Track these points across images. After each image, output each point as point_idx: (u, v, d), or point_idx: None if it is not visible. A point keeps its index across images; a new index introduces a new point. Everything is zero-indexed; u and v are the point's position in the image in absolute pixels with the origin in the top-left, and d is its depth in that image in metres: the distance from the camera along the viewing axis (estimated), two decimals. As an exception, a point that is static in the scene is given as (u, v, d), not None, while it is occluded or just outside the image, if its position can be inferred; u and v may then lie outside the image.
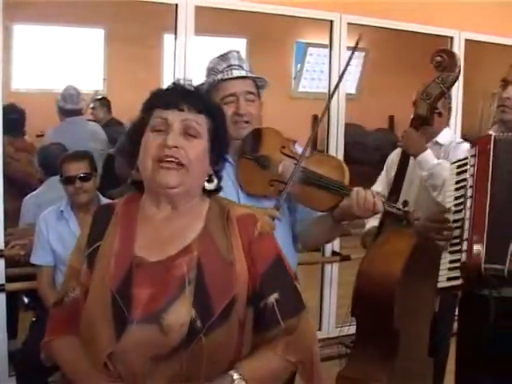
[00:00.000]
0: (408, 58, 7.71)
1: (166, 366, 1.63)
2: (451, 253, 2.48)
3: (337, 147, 5.04)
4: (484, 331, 2.57)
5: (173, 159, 1.70)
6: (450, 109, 3.76)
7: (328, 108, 4.27)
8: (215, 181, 1.85)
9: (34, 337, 3.44)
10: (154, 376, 1.63)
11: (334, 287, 5.20)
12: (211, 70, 2.59)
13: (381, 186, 3.65)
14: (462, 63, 5.18)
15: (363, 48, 8.20)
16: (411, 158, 3.23)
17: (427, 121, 3.07)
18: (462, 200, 2.49)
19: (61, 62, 6.97)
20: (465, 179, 2.51)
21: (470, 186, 2.46)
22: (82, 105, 5.72)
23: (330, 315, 5.19)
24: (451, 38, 5.34)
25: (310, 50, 8.63)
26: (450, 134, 3.67)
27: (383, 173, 3.76)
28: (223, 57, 2.58)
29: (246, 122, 2.54)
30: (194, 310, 1.63)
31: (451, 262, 2.47)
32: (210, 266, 1.71)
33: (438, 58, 2.96)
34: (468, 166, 2.51)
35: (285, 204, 2.54)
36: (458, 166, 2.60)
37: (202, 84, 2.56)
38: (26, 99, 6.27)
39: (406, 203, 2.53)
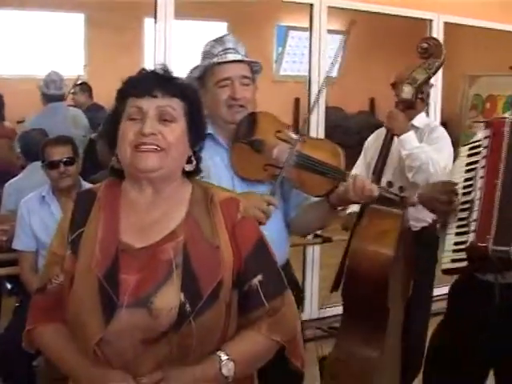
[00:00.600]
0: (388, 41, 7.74)
1: (156, 350, 1.64)
2: (457, 234, 2.46)
3: (317, 131, 5.05)
4: (486, 319, 2.53)
5: (151, 146, 1.70)
6: (428, 94, 3.81)
7: (309, 94, 4.30)
8: (194, 162, 1.84)
9: (17, 322, 3.43)
10: (143, 360, 1.65)
11: (316, 269, 5.25)
12: (206, 54, 2.56)
13: (359, 168, 3.68)
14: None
15: (343, 31, 8.20)
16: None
17: (412, 105, 3.11)
18: (471, 182, 2.48)
19: (41, 47, 6.93)
20: (476, 162, 2.50)
21: (482, 167, 2.45)
22: (64, 90, 5.69)
23: (313, 297, 5.24)
24: (430, 20, 5.37)
25: (291, 33, 8.65)
26: (424, 118, 3.72)
27: (361, 156, 3.79)
28: (219, 40, 2.56)
29: (241, 106, 2.51)
30: (183, 294, 1.64)
31: (456, 243, 2.45)
32: (196, 251, 1.71)
33: (425, 45, 2.99)
34: (481, 149, 2.50)
35: (279, 189, 2.53)
36: (470, 149, 2.58)
37: (196, 67, 2.55)
38: (6, 85, 6.24)
39: (402, 189, 2.50)
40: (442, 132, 3.57)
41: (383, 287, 2.71)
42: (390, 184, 2.52)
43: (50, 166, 3.52)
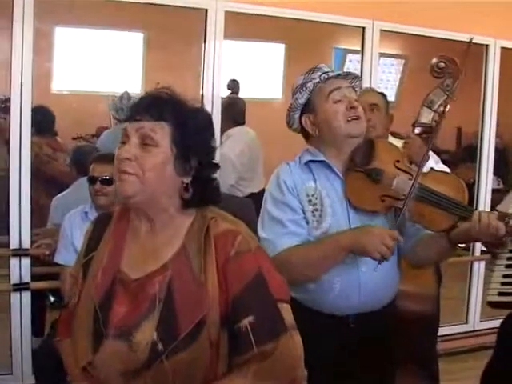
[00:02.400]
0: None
1: (136, 382, 1.63)
2: (507, 266, 2.38)
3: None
4: None
5: (124, 172, 1.67)
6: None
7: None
8: (190, 190, 1.74)
9: (54, 336, 3.48)
10: None
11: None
12: (305, 84, 2.52)
13: None
14: (497, 71, 5.16)
15: (403, 55, 8.13)
16: None
17: (431, 129, 2.82)
18: None
19: (98, 65, 7.05)
20: None
21: None
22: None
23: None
24: (487, 45, 5.26)
25: (350, 56, 8.59)
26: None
27: None
28: (313, 69, 2.54)
29: (358, 118, 2.48)
30: (156, 333, 1.61)
31: (506, 276, 2.37)
32: (181, 286, 1.67)
33: (442, 65, 2.79)
34: None
35: (392, 219, 2.46)
36: None
37: (302, 91, 2.51)
38: (61, 101, 6.38)
39: None
40: None
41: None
42: None
43: (90, 181, 3.56)
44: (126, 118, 1.73)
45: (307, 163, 2.54)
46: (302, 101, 2.54)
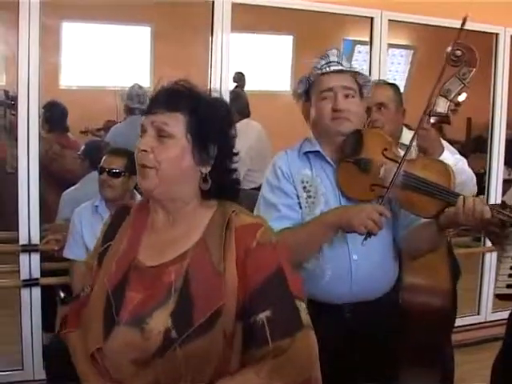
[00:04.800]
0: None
1: (146, 371, 1.61)
2: None
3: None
4: None
5: (143, 163, 1.69)
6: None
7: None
8: (209, 181, 1.75)
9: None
10: (135, 380, 1.63)
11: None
12: (312, 70, 2.57)
13: None
14: (508, 60, 5.11)
15: (412, 46, 8.09)
16: None
17: (447, 119, 2.74)
18: None
19: (109, 59, 7.05)
20: None
21: None
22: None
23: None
24: (497, 34, 5.22)
25: (358, 47, 8.55)
26: (408, 132, 3.49)
27: None
28: (323, 55, 2.56)
29: (346, 119, 2.48)
30: (171, 320, 1.60)
31: None
32: (198, 276, 1.66)
33: (459, 53, 2.70)
34: None
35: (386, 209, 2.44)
36: None
37: (301, 81, 2.57)
38: (71, 96, 6.38)
39: None
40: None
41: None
42: (503, 204, 2.34)
43: (99, 171, 3.58)
44: (143, 112, 1.76)
45: (306, 153, 2.57)
46: (300, 91, 2.60)
